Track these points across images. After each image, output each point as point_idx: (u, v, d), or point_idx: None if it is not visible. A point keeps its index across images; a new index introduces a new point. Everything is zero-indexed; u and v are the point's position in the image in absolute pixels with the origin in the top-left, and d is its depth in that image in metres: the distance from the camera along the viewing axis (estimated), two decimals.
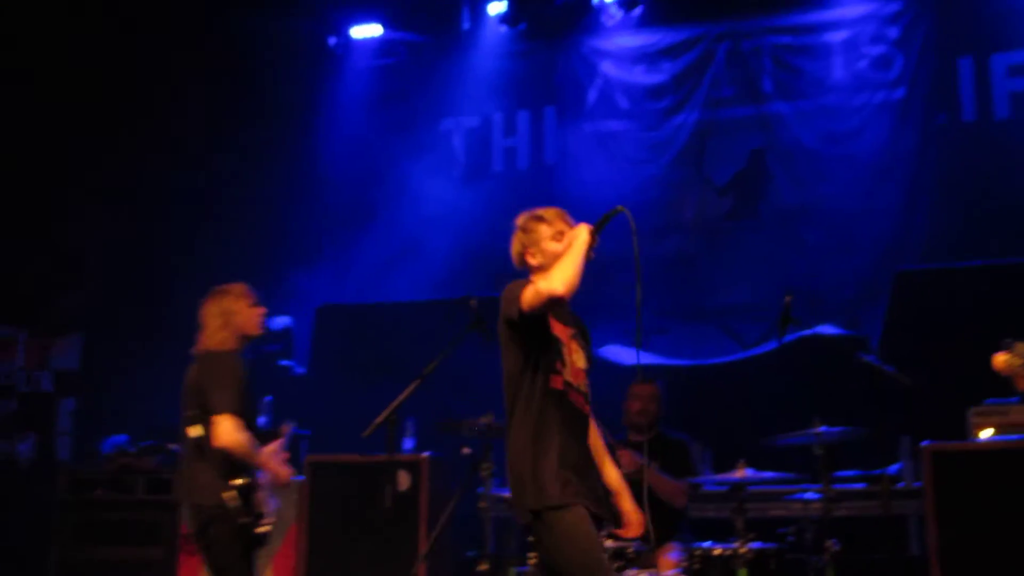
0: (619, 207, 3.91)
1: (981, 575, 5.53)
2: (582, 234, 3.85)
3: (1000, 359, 4.22)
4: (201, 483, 4.69)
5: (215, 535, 4.64)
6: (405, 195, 9.74)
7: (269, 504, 4.83)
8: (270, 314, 9.15)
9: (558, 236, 3.99)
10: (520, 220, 4.11)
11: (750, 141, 9.56)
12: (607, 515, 3.88)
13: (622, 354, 8.31)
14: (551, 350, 3.88)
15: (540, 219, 4.05)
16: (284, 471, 4.93)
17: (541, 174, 9.97)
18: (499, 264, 9.06)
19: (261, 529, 4.73)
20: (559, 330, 3.93)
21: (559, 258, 3.85)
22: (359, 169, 9.99)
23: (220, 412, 4.63)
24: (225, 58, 9.63)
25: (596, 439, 4.11)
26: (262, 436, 5.42)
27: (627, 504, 4.07)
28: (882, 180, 8.97)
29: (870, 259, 8.77)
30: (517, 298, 3.78)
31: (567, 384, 3.89)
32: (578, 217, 4.07)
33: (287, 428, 5.50)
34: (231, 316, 4.94)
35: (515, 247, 4.11)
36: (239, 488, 4.64)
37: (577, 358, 3.96)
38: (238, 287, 5.04)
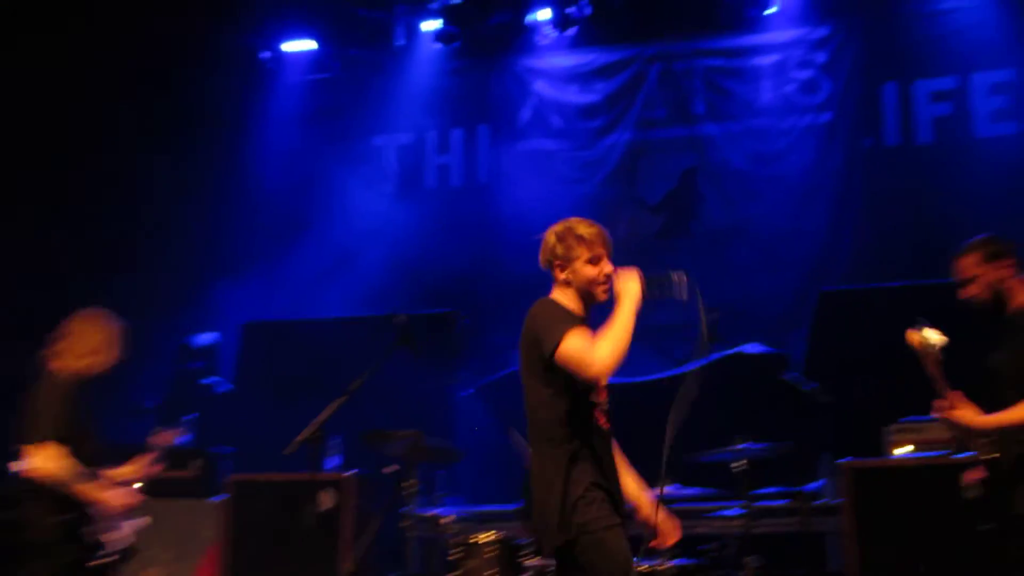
0: (683, 274, 3.97)
1: None
2: (634, 293, 3.87)
3: (913, 337, 4.30)
4: (29, 517, 4.54)
5: (44, 572, 4.50)
6: (336, 210, 9.71)
7: (112, 533, 4.65)
8: (197, 330, 9.14)
9: (595, 260, 3.95)
10: (559, 229, 4.02)
11: (682, 161, 9.69)
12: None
13: None
14: None
15: (581, 240, 3.97)
16: (115, 498, 4.69)
17: (474, 192, 10.01)
18: (430, 280, 9.15)
19: (98, 562, 4.56)
20: None
21: (593, 286, 3.92)
22: (291, 183, 9.94)
23: (38, 440, 4.48)
24: (156, 70, 9.53)
25: (617, 453, 4.08)
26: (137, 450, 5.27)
27: (660, 513, 4.03)
28: (809, 201, 9.14)
29: (796, 279, 8.91)
30: (557, 341, 3.71)
31: (597, 405, 3.89)
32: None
33: (166, 437, 5.24)
34: (94, 343, 4.79)
35: (545, 254, 4.03)
36: (65, 523, 4.49)
37: None
38: (115, 322, 4.91)
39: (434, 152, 10.21)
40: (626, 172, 9.68)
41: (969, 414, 4.32)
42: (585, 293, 3.96)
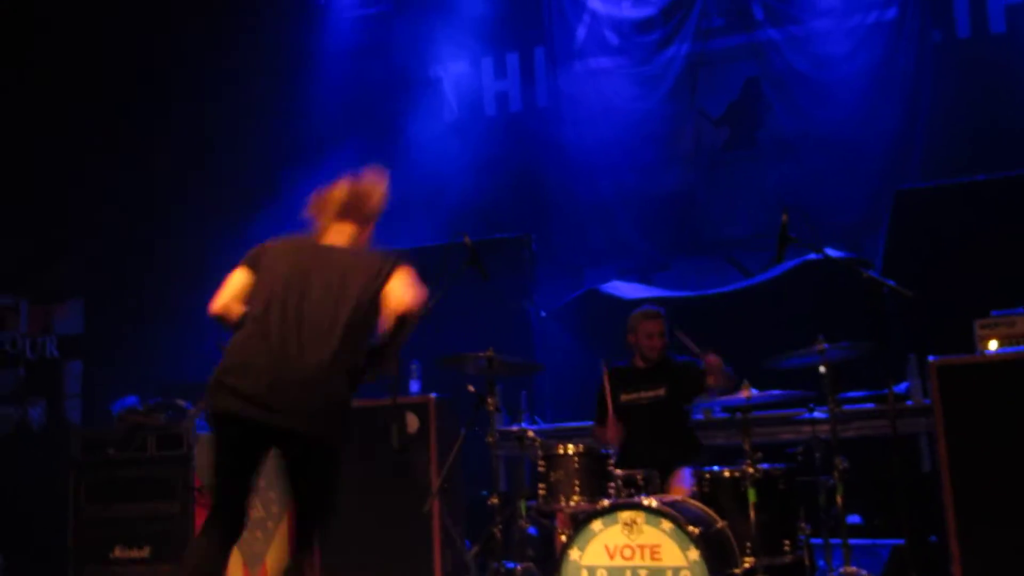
0: None
1: (992, 487, 5.47)
2: None
3: None
4: None
5: None
6: (398, 145, 9.64)
7: None
8: None
9: None
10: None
11: (743, 70, 9.48)
12: None
13: (624, 288, 8.37)
14: None
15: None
16: None
17: (534, 116, 9.87)
18: (498, 207, 9.08)
19: None
20: None
21: None
22: (350, 122, 9.88)
23: None
24: (210, 16, 9.55)
25: None
26: None
27: None
28: (879, 102, 8.88)
29: (870, 182, 8.70)
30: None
31: None
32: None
33: None
34: None
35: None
36: None
37: None
38: None
39: (491, 79, 10.09)
40: (687, 85, 9.47)
41: None
42: None
